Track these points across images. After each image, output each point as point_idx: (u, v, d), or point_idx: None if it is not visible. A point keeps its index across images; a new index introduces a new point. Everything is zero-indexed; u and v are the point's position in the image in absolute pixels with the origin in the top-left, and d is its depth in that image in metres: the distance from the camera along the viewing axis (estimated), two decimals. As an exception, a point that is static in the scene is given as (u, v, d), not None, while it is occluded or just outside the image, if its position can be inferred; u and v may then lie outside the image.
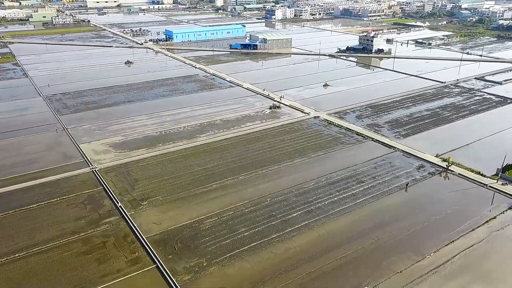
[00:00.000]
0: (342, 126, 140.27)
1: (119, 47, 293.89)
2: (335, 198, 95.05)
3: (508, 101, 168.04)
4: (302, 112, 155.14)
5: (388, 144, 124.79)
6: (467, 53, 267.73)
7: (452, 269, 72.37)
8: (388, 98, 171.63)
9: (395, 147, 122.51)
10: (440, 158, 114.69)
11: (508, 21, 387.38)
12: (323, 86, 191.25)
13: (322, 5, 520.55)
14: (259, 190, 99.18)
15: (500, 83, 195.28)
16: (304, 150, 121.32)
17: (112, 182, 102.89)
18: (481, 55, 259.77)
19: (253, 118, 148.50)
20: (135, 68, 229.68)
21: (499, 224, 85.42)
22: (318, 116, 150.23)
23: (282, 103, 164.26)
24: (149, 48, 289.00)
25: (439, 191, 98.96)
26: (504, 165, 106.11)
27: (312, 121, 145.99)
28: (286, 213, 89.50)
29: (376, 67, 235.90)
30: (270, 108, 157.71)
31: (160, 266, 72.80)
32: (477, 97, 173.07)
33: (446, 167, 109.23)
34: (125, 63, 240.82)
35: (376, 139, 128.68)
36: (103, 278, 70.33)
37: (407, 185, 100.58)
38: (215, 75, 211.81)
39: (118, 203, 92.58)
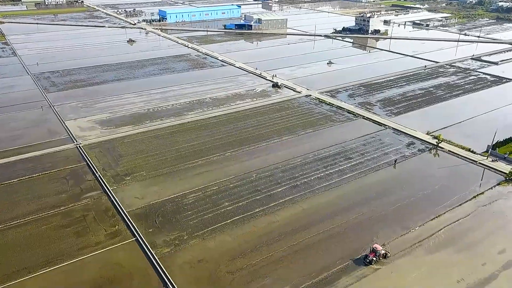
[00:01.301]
0: (333, 104, 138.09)
1: (111, 27, 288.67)
2: (322, 174, 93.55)
3: (504, 80, 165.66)
4: (293, 90, 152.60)
5: (379, 122, 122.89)
6: (465, 35, 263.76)
7: (437, 242, 71.30)
8: (382, 77, 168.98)
9: (386, 125, 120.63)
10: (431, 135, 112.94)
11: (508, 3, 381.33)
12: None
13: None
14: (245, 166, 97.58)
15: (496, 63, 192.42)
16: (293, 127, 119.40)
17: (96, 157, 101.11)
18: (478, 36, 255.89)
19: (244, 97, 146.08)
20: (126, 48, 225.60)
21: (487, 199, 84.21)
22: (310, 95, 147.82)
23: (274, 82, 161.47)
24: (142, 29, 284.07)
25: (428, 168, 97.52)
26: (495, 142, 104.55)
27: (303, 100, 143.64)
28: (271, 188, 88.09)
29: (372, 47, 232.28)
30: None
31: (139, 239, 71.57)
32: (472, 77, 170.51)
33: (436, 144, 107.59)
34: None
35: (367, 117, 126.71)
36: (81, 250, 69.13)
37: (395, 161, 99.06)
38: (207, 55, 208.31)
39: (100, 178, 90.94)
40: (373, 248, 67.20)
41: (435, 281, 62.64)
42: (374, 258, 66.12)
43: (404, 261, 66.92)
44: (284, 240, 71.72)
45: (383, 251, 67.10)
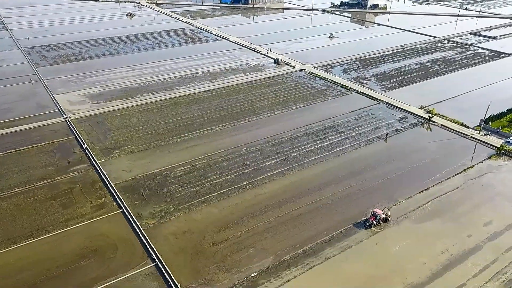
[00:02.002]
0: (327, 79, 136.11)
1: (105, 1, 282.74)
2: (312, 148, 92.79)
3: (502, 55, 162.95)
4: (288, 65, 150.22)
5: (372, 96, 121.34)
6: (465, 9, 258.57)
7: (423, 214, 71.14)
8: (378, 52, 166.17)
9: (379, 99, 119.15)
10: (424, 110, 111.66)
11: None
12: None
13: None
14: (235, 140, 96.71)
15: (495, 38, 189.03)
16: (285, 102, 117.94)
17: (85, 131, 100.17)
18: (479, 11, 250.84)
19: (237, 71, 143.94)
20: (119, 22, 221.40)
21: (476, 172, 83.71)
22: (304, 69, 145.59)
23: (269, 57, 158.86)
24: (136, 3, 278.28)
25: (419, 142, 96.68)
26: (488, 117, 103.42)
27: (297, 74, 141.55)
28: (260, 161, 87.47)
29: (370, 22, 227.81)
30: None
31: (125, 211, 71.40)
32: (470, 52, 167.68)
33: (428, 118, 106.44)
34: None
35: (360, 92, 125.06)
36: (66, 222, 69.01)
37: (386, 135, 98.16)
38: (201, 29, 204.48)
39: (88, 151, 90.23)
40: (373, 212, 68.25)
41: (419, 252, 62.69)
42: (374, 222, 67.33)
43: (388, 232, 66.85)
44: (270, 212, 71.55)
45: (383, 215, 68.28)
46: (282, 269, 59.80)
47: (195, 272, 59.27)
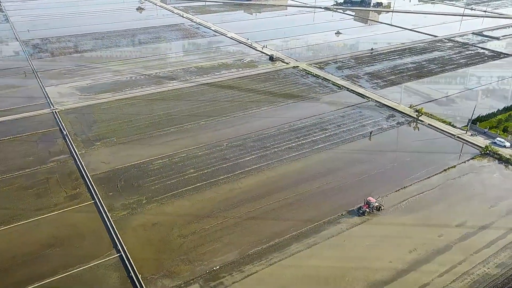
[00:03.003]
0: (319, 76, 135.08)
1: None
2: (293, 144, 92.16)
3: (502, 56, 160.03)
4: (282, 61, 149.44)
5: (362, 94, 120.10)
6: (471, 9, 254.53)
7: (396, 213, 70.20)
8: (375, 50, 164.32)
9: (369, 97, 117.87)
10: (413, 108, 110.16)
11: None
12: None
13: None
14: (218, 135, 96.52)
15: (498, 38, 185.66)
16: (274, 98, 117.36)
17: (70, 123, 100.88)
18: (485, 11, 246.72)
19: (230, 67, 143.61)
20: (119, 16, 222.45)
21: (457, 172, 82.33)
22: (298, 66, 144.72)
23: (264, 53, 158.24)
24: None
25: (404, 140, 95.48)
26: (476, 117, 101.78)
27: (290, 71, 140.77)
28: (240, 157, 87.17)
29: (372, 20, 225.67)
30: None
31: (97, 202, 71.70)
32: (469, 52, 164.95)
33: (416, 117, 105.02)
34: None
35: (351, 89, 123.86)
36: (38, 211, 69.56)
37: (370, 133, 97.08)
38: (201, 24, 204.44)
39: (70, 142, 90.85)
40: (367, 201, 69.53)
41: (387, 251, 61.92)
42: (368, 210, 68.60)
43: (358, 229, 66.14)
44: (242, 207, 71.26)
45: (376, 204, 69.39)
46: (245, 263, 59.54)
47: (158, 264, 59.30)
